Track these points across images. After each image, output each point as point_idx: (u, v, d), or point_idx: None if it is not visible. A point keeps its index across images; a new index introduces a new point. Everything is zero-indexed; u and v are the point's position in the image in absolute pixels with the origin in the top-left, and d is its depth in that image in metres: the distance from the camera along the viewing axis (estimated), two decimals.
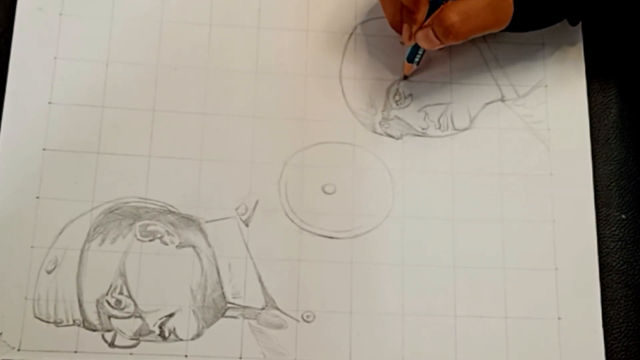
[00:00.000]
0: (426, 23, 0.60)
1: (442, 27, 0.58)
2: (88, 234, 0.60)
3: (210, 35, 0.65)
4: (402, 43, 0.64)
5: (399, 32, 0.63)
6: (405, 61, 0.64)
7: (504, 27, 0.60)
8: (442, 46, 0.60)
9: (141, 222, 0.61)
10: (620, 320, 0.62)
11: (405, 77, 0.65)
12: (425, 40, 0.60)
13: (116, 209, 0.61)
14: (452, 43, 0.59)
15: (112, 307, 0.59)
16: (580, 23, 0.66)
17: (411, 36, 0.61)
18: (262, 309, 0.60)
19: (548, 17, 0.62)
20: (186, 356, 0.59)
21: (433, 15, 0.59)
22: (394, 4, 0.62)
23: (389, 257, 0.62)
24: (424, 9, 0.60)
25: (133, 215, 0.61)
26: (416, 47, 0.63)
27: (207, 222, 0.61)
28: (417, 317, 0.61)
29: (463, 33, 0.58)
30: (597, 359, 0.61)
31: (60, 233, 0.60)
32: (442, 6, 0.59)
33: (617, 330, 0.61)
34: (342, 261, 0.61)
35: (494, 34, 0.62)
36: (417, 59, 0.64)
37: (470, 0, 0.58)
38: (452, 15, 0.58)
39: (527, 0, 0.59)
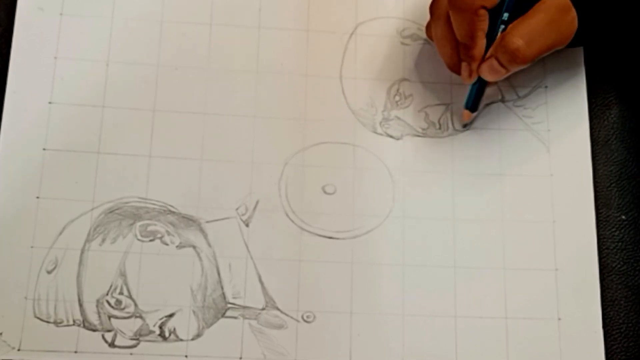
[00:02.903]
0: (488, 54, 0.59)
1: (507, 54, 0.58)
2: (88, 234, 0.60)
3: (210, 35, 0.65)
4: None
5: (458, 72, 0.62)
6: (465, 109, 0.63)
7: (568, 42, 0.60)
8: (507, 75, 0.60)
9: (141, 222, 0.61)
10: (620, 321, 0.62)
11: (465, 126, 0.65)
12: (491, 71, 0.59)
13: (116, 209, 0.61)
14: (519, 68, 0.59)
15: (112, 307, 0.59)
16: None
17: (471, 73, 0.61)
18: (263, 309, 0.60)
19: (613, 28, 0.62)
20: (186, 356, 0.59)
21: (494, 44, 0.59)
22: (451, 45, 0.61)
23: (389, 258, 0.62)
24: (481, 42, 0.59)
25: (133, 215, 0.61)
26: (477, 91, 0.62)
27: (207, 222, 0.61)
28: (417, 317, 0.61)
29: (530, 56, 0.58)
30: None
31: (61, 233, 0.60)
32: (502, 34, 0.59)
33: (617, 330, 0.61)
34: (342, 261, 0.61)
35: None
36: (474, 106, 0.63)
37: (531, 21, 0.58)
38: (516, 39, 0.57)
39: (591, 12, 0.59)
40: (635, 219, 0.64)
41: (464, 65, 0.61)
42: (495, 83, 0.63)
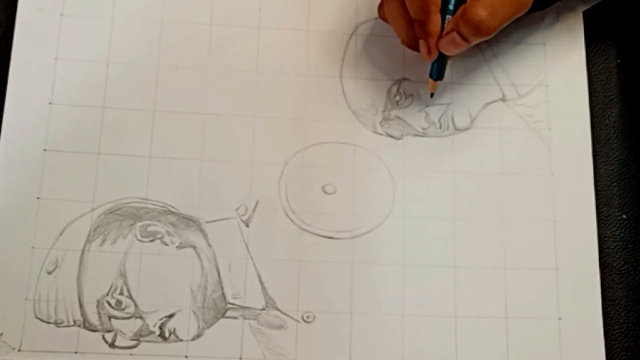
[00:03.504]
0: (448, 28, 0.59)
1: (471, 26, 0.58)
2: (88, 235, 0.60)
3: (210, 35, 0.65)
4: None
5: (416, 49, 0.62)
6: (430, 79, 0.63)
7: (527, 9, 0.59)
8: (468, 47, 0.59)
9: (141, 223, 0.61)
10: (621, 321, 0.62)
11: (432, 95, 0.65)
12: (452, 45, 0.59)
13: (117, 210, 0.61)
14: (482, 39, 0.59)
15: (112, 307, 0.59)
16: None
17: (430, 50, 0.60)
18: (262, 309, 0.60)
19: None
20: (186, 357, 0.59)
21: (455, 17, 0.59)
22: (406, 21, 0.61)
23: (389, 257, 0.62)
24: (435, 18, 0.59)
25: (133, 216, 0.61)
26: (439, 61, 0.62)
27: (207, 222, 0.61)
28: (417, 317, 0.61)
29: (494, 26, 0.58)
30: None
31: (61, 234, 0.60)
32: (463, 6, 0.58)
33: (618, 330, 0.61)
34: (342, 261, 0.61)
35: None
36: (440, 75, 0.63)
37: None
38: (480, 11, 0.57)
39: None
40: (636, 219, 0.64)
41: (421, 42, 0.61)
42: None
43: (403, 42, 0.63)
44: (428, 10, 0.59)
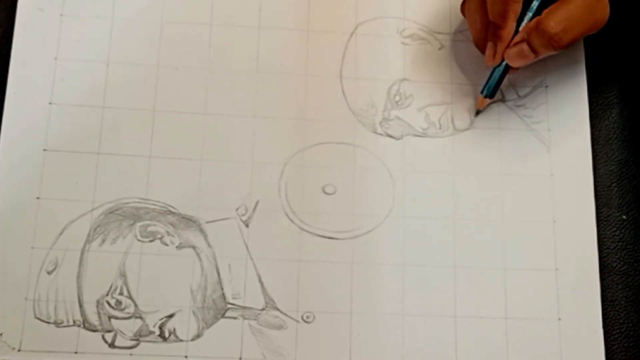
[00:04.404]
0: (518, 39, 0.60)
1: (544, 38, 0.58)
2: (88, 235, 0.60)
3: (210, 35, 0.65)
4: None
5: (482, 50, 0.62)
6: (480, 95, 0.64)
7: (601, 27, 0.60)
8: (532, 61, 0.60)
9: (141, 223, 0.61)
10: (621, 321, 0.62)
11: (478, 113, 0.65)
12: (519, 56, 0.60)
13: (116, 210, 0.61)
14: (550, 54, 0.60)
15: (112, 307, 0.59)
16: None
17: (495, 54, 0.61)
18: (262, 309, 0.60)
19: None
20: (186, 357, 0.59)
21: (527, 28, 0.59)
22: (482, 20, 0.61)
23: (389, 258, 0.62)
24: (511, 24, 0.60)
25: (133, 216, 0.61)
26: (496, 76, 0.62)
27: (207, 222, 0.61)
28: (417, 317, 0.61)
29: (566, 42, 0.58)
30: None
31: (61, 233, 0.60)
32: (538, 18, 0.59)
33: (617, 331, 0.61)
34: (342, 261, 0.61)
35: None
36: (492, 93, 0.63)
37: (569, 7, 0.58)
38: (555, 24, 0.58)
39: None
40: (636, 219, 0.64)
41: (489, 45, 0.61)
42: (516, 69, 0.63)
43: (473, 39, 0.63)
44: (506, 15, 0.59)
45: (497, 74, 0.63)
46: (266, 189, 0.62)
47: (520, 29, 0.60)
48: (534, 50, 0.59)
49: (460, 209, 0.63)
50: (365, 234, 0.62)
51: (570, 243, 0.63)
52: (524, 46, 0.59)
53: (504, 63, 0.62)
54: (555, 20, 0.58)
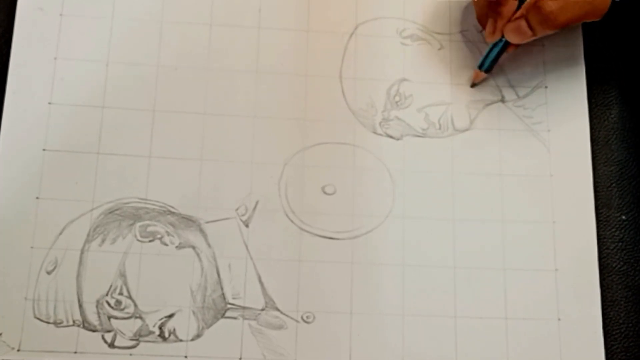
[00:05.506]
0: (517, 14, 0.61)
1: (540, 15, 0.59)
2: (88, 235, 0.60)
3: (210, 35, 0.65)
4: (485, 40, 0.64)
5: (484, 26, 0.64)
6: (477, 68, 0.65)
7: (600, 17, 0.60)
8: (530, 39, 0.61)
9: (141, 223, 0.61)
10: (620, 321, 0.62)
11: (473, 85, 0.66)
12: (517, 32, 0.61)
13: (116, 210, 0.61)
14: (546, 33, 0.60)
15: (112, 307, 0.59)
16: None
17: (495, 30, 0.62)
18: (262, 309, 0.60)
19: None
20: (186, 357, 0.59)
21: (526, 4, 0.60)
22: None
23: (389, 258, 0.62)
24: (512, 1, 0.61)
25: (133, 216, 0.61)
26: (494, 52, 0.63)
27: (207, 222, 0.61)
28: (417, 317, 0.61)
29: (561, 21, 0.59)
30: None
31: (60, 233, 0.60)
32: None
33: (617, 331, 0.61)
34: (342, 262, 0.61)
35: None
36: (488, 67, 0.64)
37: None
38: (551, 2, 0.58)
39: None
40: (636, 219, 0.64)
41: (490, 21, 0.62)
42: (515, 47, 0.64)
43: (476, 14, 0.64)
44: None
45: (496, 49, 0.63)
46: (266, 189, 0.62)
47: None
48: (531, 27, 0.60)
49: (460, 209, 0.63)
50: (365, 234, 0.62)
51: (570, 243, 0.63)
52: (522, 22, 0.60)
53: (503, 39, 0.62)
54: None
